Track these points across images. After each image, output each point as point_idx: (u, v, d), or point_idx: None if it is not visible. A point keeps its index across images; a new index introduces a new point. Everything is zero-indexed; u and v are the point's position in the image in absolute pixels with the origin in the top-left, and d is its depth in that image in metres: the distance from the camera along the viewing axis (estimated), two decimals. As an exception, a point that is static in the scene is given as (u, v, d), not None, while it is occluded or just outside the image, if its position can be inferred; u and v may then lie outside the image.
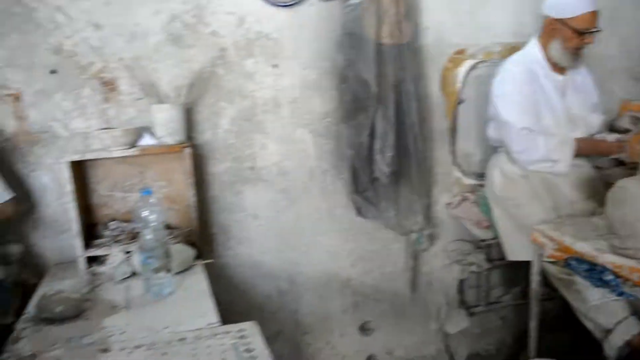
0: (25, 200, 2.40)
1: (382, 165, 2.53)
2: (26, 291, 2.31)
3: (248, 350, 1.48)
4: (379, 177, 2.57)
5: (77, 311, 1.82)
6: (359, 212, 2.73)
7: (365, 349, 3.01)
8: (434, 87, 2.74)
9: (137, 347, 1.55)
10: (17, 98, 2.34)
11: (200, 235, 2.41)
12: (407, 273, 2.94)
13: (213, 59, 2.45)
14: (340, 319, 2.92)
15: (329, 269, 2.84)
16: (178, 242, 2.27)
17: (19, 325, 1.81)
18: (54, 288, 1.98)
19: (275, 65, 2.54)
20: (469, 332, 3.00)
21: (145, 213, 1.84)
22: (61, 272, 2.34)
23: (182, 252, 2.20)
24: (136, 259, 2.09)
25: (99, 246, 2.30)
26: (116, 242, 2.31)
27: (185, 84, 2.40)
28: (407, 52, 2.54)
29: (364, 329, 2.98)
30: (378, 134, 2.52)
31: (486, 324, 3.05)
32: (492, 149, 2.67)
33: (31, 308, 1.91)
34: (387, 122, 2.49)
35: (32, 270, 2.44)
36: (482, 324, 3.04)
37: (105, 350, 1.55)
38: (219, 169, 2.57)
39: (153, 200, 1.86)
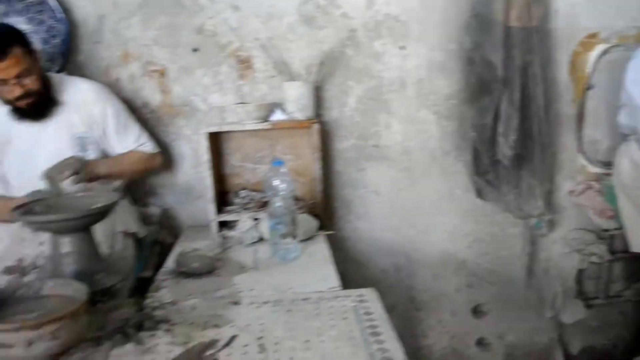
0: (166, 167, 2.63)
1: (505, 148, 2.54)
2: (162, 249, 2.54)
3: (367, 313, 1.57)
4: (501, 159, 2.58)
5: (210, 268, 1.99)
6: (479, 194, 2.75)
7: (475, 331, 3.03)
8: (562, 71, 2.69)
9: (265, 302, 1.68)
10: (162, 74, 2.56)
11: (324, 208, 2.52)
12: (524, 258, 2.92)
13: (343, 40, 2.55)
14: (453, 299, 2.96)
15: (446, 248, 2.88)
16: (303, 213, 2.39)
17: (159, 277, 2.01)
18: (190, 247, 2.17)
19: (402, 47, 2.60)
20: (585, 325, 2.94)
21: (276, 182, 1.98)
22: (194, 234, 2.55)
23: (307, 222, 2.32)
24: (264, 225, 2.24)
25: (229, 212, 2.47)
26: (245, 209, 2.48)
27: (315, 63, 2.51)
28: (536, 36, 2.52)
29: (476, 311, 3.00)
30: (502, 117, 2.52)
31: (604, 318, 2.99)
32: (622, 136, 2.59)
33: (170, 263, 2.12)
34: (512, 106, 2.50)
35: (168, 231, 2.67)
36: (599, 318, 2.97)
37: (235, 303, 1.69)
38: (344, 145, 2.67)
39: (284, 171, 2.00)
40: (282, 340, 1.44)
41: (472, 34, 2.53)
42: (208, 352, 1.40)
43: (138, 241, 2.36)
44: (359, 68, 2.59)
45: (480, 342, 3.04)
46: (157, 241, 2.55)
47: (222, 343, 1.44)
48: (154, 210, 2.58)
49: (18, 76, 2.05)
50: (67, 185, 2.06)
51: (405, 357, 1.33)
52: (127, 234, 2.27)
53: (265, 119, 2.42)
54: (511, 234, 2.89)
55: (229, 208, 2.52)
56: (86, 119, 2.25)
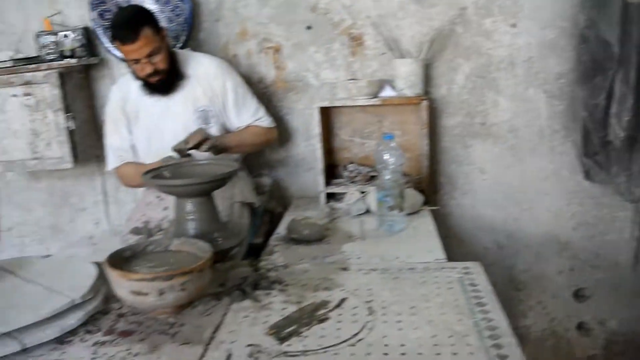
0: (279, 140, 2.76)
1: (618, 128, 2.48)
2: (272, 218, 2.68)
3: (472, 285, 1.62)
4: (613, 140, 2.52)
5: (320, 236, 2.10)
6: (587, 175, 2.70)
7: (576, 314, 2.98)
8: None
9: (372, 270, 1.77)
10: (277, 50, 2.68)
11: (429, 184, 2.58)
12: (632, 243, 2.85)
13: (453, 18, 2.57)
14: (554, 281, 2.93)
15: (550, 229, 2.85)
16: (408, 187, 2.45)
17: (272, 242, 2.14)
18: (301, 215, 2.28)
19: (513, 25, 2.59)
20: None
21: (386, 156, 2.05)
22: (303, 204, 2.67)
23: (412, 196, 2.38)
24: (372, 198, 2.32)
25: (338, 185, 2.58)
26: (352, 182, 2.58)
27: (425, 41, 2.55)
28: (656, 12, 2.45)
29: (577, 295, 2.95)
30: (616, 97, 2.46)
31: None
32: None
33: (281, 230, 2.24)
34: (627, 85, 2.43)
35: (278, 201, 2.81)
36: None
37: (344, 269, 1.79)
38: (450, 122, 2.70)
39: (394, 145, 2.07)
40: (389, 304, 1.51)
41: (586, 11, 2.48)
42: (320, 311, 1.50)
43: (252, 210, 2.50)
44: (468, 46, 2.61)
45: (581, 327, 2.99)
46: (267, 210, 2.69)
47: (333, 304, 1.54)
48: (266, 180, 2.72)
49: (149, 55, 2.22)
50: (195, 153, 2.22)
51: (510, 327, 1.37)
52: (243, 204, 2.41)
53: (375, 95, 2.49)
54: (619, 218, 2.82)
55: (337, 181, 2.62)
56: (208, 92, 2.40)
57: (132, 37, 2.16)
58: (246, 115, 2.47)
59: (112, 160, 2.51)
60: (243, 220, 2.37)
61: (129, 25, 2.17)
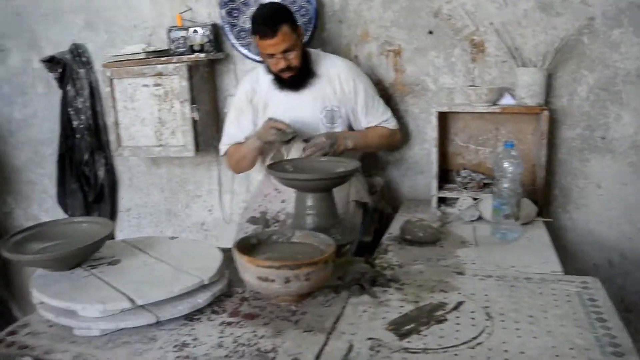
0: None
1: None
2: (380, 217, 2.72)
3: (591, 300, 1.60)
4: None
5: (434, 238, 2.12)
6: None
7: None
8: None
9: (488, 276, 1.78)
10: (397, 53, 2.72)
11: (543, 195, 2.55)
12: None
13: (579, 27, 2.52)
14: (668, 305, 2.83)
15: (666, 251, 2.76)
16: (522, 197, 2.43)
17: (385, 241, 2.18)
18: (416, 217, 2.30)
19: (643, 36, 2.52)
20: None
21: (505, 164, 2.05)
22: (413, 206, 2.69)
23: (527, 206, 2.36)
24: (486, 205, 2.32)
25: (450, 190, 2.59)
26: (465, 188, 2.58)
27: (549, 50, 2.51)
28: None
29: (692, 320, 2.85)
30: None
31: None
32: None
33: (394, 230, 2.28)
34: None
35: (388, 201, 2.84)
36: None
37: (460, 273, 1.80)
38: (569, 134, 2.65)
39: (514, 153, 2.06)
40: (507, 312, 1.52)
41: None
42: (438, 312, 1.53)
43: (364, 209, 2.54)
44: (594, 57, 2.55)
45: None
46: (377, 209, 2.72)
47: (450, 306, 1.57)
48: (378, 180, 2.76)
49: (284, 51, 2.32)
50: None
51: (634, 346, 1.35)
52: (358, 203, 2.46)
53: (494, 103, 2.48)
54: None
55: (449, 185, 2.63)
56: (338, 92, 2.48)
57: (271, 33, 2.27)
58: (374, 117, 2.53)
59: (225, 146, 2.65)
60: (356, 218, 2.42)
61: (270, 21, 2.27)
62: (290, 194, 2.44)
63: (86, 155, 3.33)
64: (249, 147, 2.48)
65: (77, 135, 3.31)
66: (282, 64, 2.36)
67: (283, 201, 2.45)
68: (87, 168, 3.36)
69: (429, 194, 2.63)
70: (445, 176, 2.68)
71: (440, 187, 2.59)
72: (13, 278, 4.01)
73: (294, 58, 2.36)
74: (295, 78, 2.43)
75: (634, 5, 2.49)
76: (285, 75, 2.41)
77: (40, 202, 3.79)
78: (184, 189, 3.34)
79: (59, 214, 3.61)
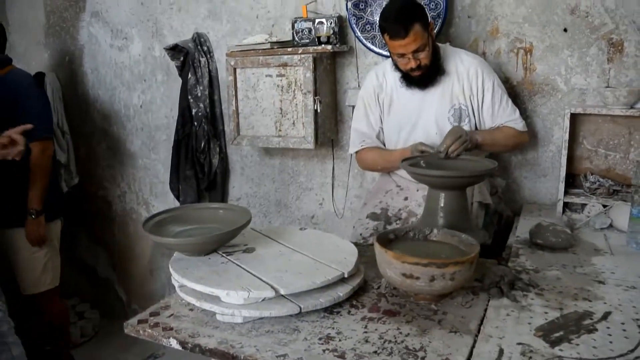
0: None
1: None
2: (499, 220, 2.66)
3: None
4: None
5: (567, 244, 2.05)
6: None
7: None
8: None
9: (631, 287, 1.70)
10: (528, 51, 2.64)
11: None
12: None
13: None
14: None
15: None
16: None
17: (514, 245, 2.12)
18: (536, 222, 2.22)
19: None
20: None
21: (647, 170, 1.97)
22: (536, 210, 2.62)
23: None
24: (618, 212, 2.23)
25: (577, 195, 2.49)
26: (593, 194, 2.48)
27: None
28: None
29: None
30: None
31: None
32: None
33: (522, 233, 2.22)
34: None
35: (507, 203, 2.77)
36: None
37: (600, 282, 1.74)
38: None
39: (660, 160, 1.98)
40: (660, 325, 1.46)
41: None
42: (586, 321, 1.48)
43: (485, 210, 2.49)
44: None
45: None
46: (497, 211, 2.67)
47: (597, 316, 1.51)
48: (499, 181, 2.70)
49: (415, 51, 2.26)
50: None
51: None
52: (481, 204, 2.41)
53: (632, 106, 2.38)
54: None
55: (574, 190, 2.54)
56: (467, 90, 2.40)
57: (403, 34, 2.20)
58: (501, 116, 2.43)
59: (355, 144, 2.58)
60: (479, 219, 2.38)
61: (401, 20, 2.20)
62: (413, 191, 2.43)
63: (202, 142, 3.41)
64: (395, 160, 2.35)
65: (195, 123, 3.39)
66: (412, 64, 2.30)
67: (406, 198, 2.43)
68: (203, 156, 3.44)
69: (550, 198, 2.55)
70: (570, 181, 2.59)
71: (566, 192, 2.50)
72: (121, 260, 4.17)
73: (424, 57, 2.30)
74: (425, 76, 2.37)
75: None
76: (415, 74, 2.35)
77: (152, 187, 3.91)
78: (295, 181, 3.37)
79: (170, 199, 3.72)
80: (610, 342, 1.38)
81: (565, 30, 2.57)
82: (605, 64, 2.53)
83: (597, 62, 2.54)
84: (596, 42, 2.53)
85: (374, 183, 2.86)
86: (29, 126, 2.31)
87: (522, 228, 2.30)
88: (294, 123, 2.89)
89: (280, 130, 2.94)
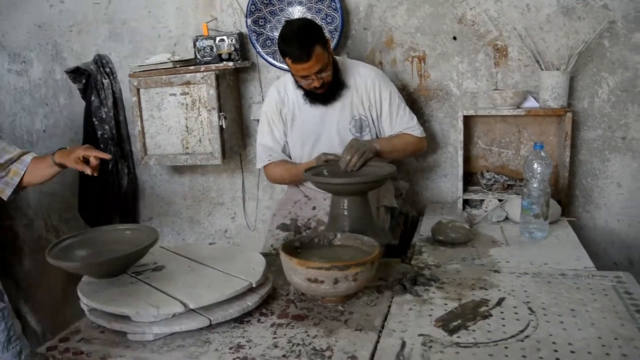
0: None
1: None
2: (405, 221, 2.77)
3: (627, 293, 1.65)
4: None
5: (466, 239, 2.18)
6: None
7: None
8: None
9: (524, 273, 1.83)
10: (422, 59, 2.77)
11: (566, 195, 2.60)
12: None
13: (601, 31, 2.56)
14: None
15: (686, 248, 2.80)
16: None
17: (418, 243, 2.24)
18: (446, 219, 2.34)
19: (663, 39, 2.57)
20: None
21: (535, 164, 2.11)
22: (438, 209, 2.75)
23: (552, 206, 2.41)
24: (513, 205, 2.38)
25: (475, 192, 2.64)
26: (489, 190, 2.63)
27: (571, 54, 2.56)
28: None
29: None
30: None
31: None
32: None
33: (424, 231, 2.34)
34: None
35: (412, 204, 2.89)
36: None
37: (496, 271, 1.86)
38: (590, 135, 2.70)
39: (544, 154, 2.12)
40: (548, 306, 1.58)
41: None
42: (482, 308, 1.59)
43: (391, 213, 2.59)
44: (614, 59, 2.60)
45: None
46: (402, 213, 2.77)
47: (492, 303, 1.62)
48: (403, 185, 2.81)
49: (318, 72, 2.30)
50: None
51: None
52: (387, 208, 2.50)
53: (518, 106, 2.54)
54: None
55: (473, 188, 2.68)
56: (365, 101, 2.48)
57: (305, 57, 2.23)
58: (399, 124, 2.52)
59: (262, 159, 2.62)
60: (385, 223, 2.47)
61: (302, 44, 2.23)
62: (321, 200, 2.50)
63: (110, 164, 3.37)
64: (301, 173, 2.36)
65: (101, 145, 3.35)
66: (316, 84, 2.34)
67: (314, 208, 2.50)
68: (111, 178, 3.40)
69: (452, 197, 2.68)
70: (468, 179, 2.73)
71: (465, 190, 2.64)
72: (33, 290, 4.05)
73: (327, 76, 2.35)
74: (328, 92, 2.42)
75: (654, 9, 2.55)
76: (319, 91, 2.40)
77: (61, 213, 3.83)
78: (207, 197, 3.39)
79: (80, 224, 3.65)
80: (504, 325, 1.48)
81: (454, 38, 2.72)
82: (493, 68, 2.70)
83: (485, 67, 2.71)
84: (483, 48, 2.70)
85: (283, 194, 2.92)
86: (108, 156, 2.24)
87: (425, 227, 2.42)
88: (200, 140, 2.92)
89: (187, 148, 2.96)
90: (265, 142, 2.60)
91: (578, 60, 2.57)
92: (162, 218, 3.54)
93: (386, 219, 2.49)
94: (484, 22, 2.67)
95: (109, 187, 3.43)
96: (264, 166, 2.63)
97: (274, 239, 2.46)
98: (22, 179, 2.26)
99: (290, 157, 2.60)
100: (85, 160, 2.16)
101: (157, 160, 3.06)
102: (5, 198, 2.28)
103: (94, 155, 2.17)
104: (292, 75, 2.42)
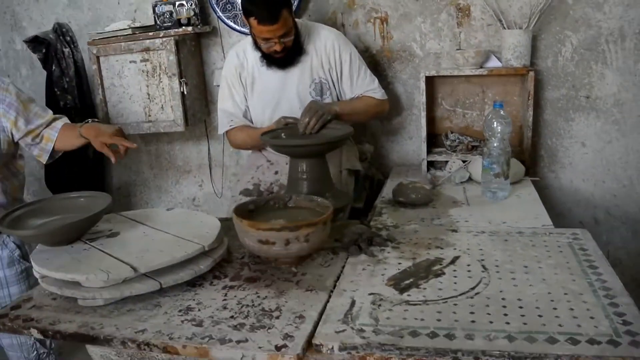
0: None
1: None
2: (371, 184, 2.76)
3: (582, 249, 1.65)
4: None
5: (426, 200, 2.16)
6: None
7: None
8: None
9: (481, 232, 1.82)
10: (384, 20, 2.74)
11: (530, 155, 2.59)
12: None
13: (565, -12, 2.55)
14: (652, 259, 2.88)
15: (651, 206, 2.82)
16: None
17: (379, 205, 2.22)
18: (408, 180, 2.33)
19: (628, -5, 2.55)
20: None
21: (495, 123, 2.09)
22: (403, 172, 2.74)
23: (515, 166, 2.40)
24: (476, 166, 2.36)
25: (439, 153, 2.63)
26: (454, 151, 2.62)
27: (534, 12, 2.53)
28: None
29: (676, 273, 2.91)
30: None
31: None
32: None
33: (387, 193, 2.32)
34: None
35: (378, 168, 2.88)
36: None
37: (454, 231, 1.85)
38: (554, 95, 2.69)
39: (503, 113, 2.10)
40: (502, 263, 1.57)
41: None
42: (435, 267, 1.58)
43: (356, 176, 2.58)
44: (577, 17, 2.58)
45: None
46: (367, 176, 2.76)
47: (446, 261, 1.61)
48: (368, 147, 2.79)
49: (282, 36, 2.27)
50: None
51: (624, 288, 1.40)
52: (350, 171, 2.49)
53: (481, 66, 2.52)
54: None
55: (438, 149, 2.67)
56: (325, 64, 2.45)
57: (273, 20, 2.19)
58: (360, 87, 2.49)
59: (224, 124, 2.58)
60: (349, 186, 2.46)
61: (270, 5, 2.19)
62: (283, 165, 2.48)
63: (76, 135, 3.31)
64: (254, 142, 2.42)
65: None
66: (277, 47, 2.31)
67: (276, 172, 2.48)
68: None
69: (418, 159, 2.67)
70: (433, 140, 2.72)
71: (429, 151, 2.63)
72: None
73: (289, 41, 2.32)
74: (286, 57, 2.39)
75: (617, -35, 2.52)
76: (278, 55, 2.36)
77: (28, 186, 3.76)
78: (173, 165, 3.36)
79: (48, 196, 3.60)
80: (455, 283, 1.47)
81: (417, -2, 2.68)
82: (456, 28, 2.67)
83: (448, 27, 2.68)
84: (445, 8, 2.66)
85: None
86: (134, 146, 2.20)
87: (388, 189, 2.40)
88: (162, 107, 2.87)
89: (150, 116, 2.92)
90: (226, 107, 2.56)
91: (541, 19, 2.55)
92: (130, 188, 3.50)
93: (350, 181, 2.48)
94: (446, -19, 2.63)
95: (75, 158, 3.37)
96: (226, 131, 2.59)
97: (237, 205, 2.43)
98: (54, 145, 2.27)
99: (252, 122, 2.57)
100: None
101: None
102: (44, 162, 2.33)
103: (122, 144, 2.17)
104: (253, 36, 2.38)
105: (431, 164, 2.63)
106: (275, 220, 1.70)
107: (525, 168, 2.48)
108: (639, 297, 2.75)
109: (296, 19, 2.46)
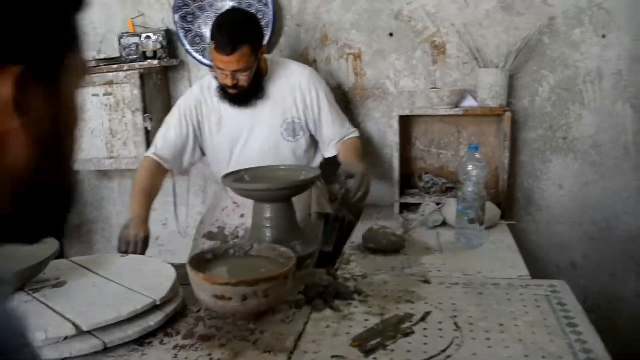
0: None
1: None
2: (341, 226, 2.65)
3: (561, 304, 1.55)
4: None
5: (397, 246, 2.06)
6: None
7: (653, 340, 2.85)
8: None
9: (454, 283, 1.72)
10: (357, 57, 2.66)
11: (505, 197, 2.51)
12: None
13: (540, 27, 2.49)
14: (632, 304, 2.79)
15: (628, 249, 2.73)
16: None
17: (347, 250, 2.11)
18: (373, 225, 2.23)
19: (603, 36, 2.50)
20: None
21: (469, 167, 2.00)
22: (375, 213, 2.63)
23: (490, 209, 2.31)
24: (449, 209, 2.27)
25: (412, 195, 2.54)
26: (427, 193, 2.53)
27: (510, 51, 2.48)
28: None
29: (655, 320, 2.83)
30: None
31: None
32: None
33: (356, 238, 2.21)
34: None
35: (349, 208, 2.77)
36: None
37: (425, 282, 1.74)
38: (531, 135, 2.63)
39: (478, 156, 2.01)
40: (476, 320, 1.47)
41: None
42: (404, 324, 1.46)
43: (325, 218, 2.47)
44: (554, 57, 2.54)
45: (658, 352, 2.87)
46: (338, 217, 2.65)
47: (417, 317, 1.50)
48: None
49: (235, 71, 2.17)
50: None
51: (606, 351, 1.31)
52: (319, 214, 2.38)
53: (456, 105, 2.44)
54: None
55: (411, 191, 2.58)
56: (300, 103, 2.35)
57: (228, 50, 2.11)
58: (337, 126, 2.40)
59: (152, 148, 2.43)
60: (318, 229, 2.35)
61: (232, 36, 2.11)
62: (249, 207, 2.34)
63: (35, 170, 3.19)
64: (133, 201, 2.37)
65: (26, 148, 3.17)
66: (228, 81, 2.21)
67: (242, 215, 2.36)
68: (37, 182, 3.21)
69: (390, 200, 2.57)
70: (407, 181, 2.63)
71: (402, 193, 2.53)
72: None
73: (243, 80, 2.21)
74: (239, 96, 2.28)
75: (594, 5, 2.48)
76: (230, 91, 2.26)
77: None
78: (137, 202, 3.22)
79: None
80: (425, 343, 1.37)
81: (391, 34, 2.62)
82: (431, 66, 2.60)
83: (422, 65, 2.61)
84: (420, 45, 2.60)
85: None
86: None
87: (358, 233, 2.29)
88: (125, 143, 2.75)
89: (112, 152, 2.79)
90: (168, 133, 2.41)
91: (518, 58, 2.49)
92: (92, 225, 3.35)
93: (319, 224, 2.37)
94: (421, 17, 2.57)
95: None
96: (145, 156, 2.45)
97: (200, 249, 2.31)
98: None
99: (184, 171, 2.52)
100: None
101: (81, 164, 2.87)
102: None
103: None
104: (212, 63, 2.28)
105: (405, 206, 2.53)
106: (233, 271, 1.58)
107: (500, 211, 2.40)
108: (618, 343, 2.70)
109: (266, 55, 2.37)
